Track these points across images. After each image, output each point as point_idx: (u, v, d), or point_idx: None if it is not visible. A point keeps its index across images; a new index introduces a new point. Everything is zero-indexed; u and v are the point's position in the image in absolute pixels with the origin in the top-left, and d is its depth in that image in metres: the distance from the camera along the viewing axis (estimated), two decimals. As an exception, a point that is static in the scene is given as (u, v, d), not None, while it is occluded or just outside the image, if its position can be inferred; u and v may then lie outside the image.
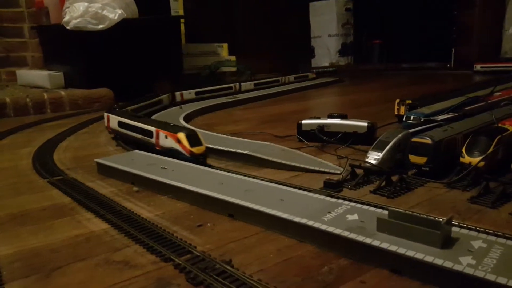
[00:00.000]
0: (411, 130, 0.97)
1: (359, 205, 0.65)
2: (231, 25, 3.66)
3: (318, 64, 4.76)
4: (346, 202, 0.67)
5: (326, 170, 0.92)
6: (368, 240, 0.54)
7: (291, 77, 2.78)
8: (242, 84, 2.35)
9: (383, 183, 0.82)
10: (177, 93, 1.97)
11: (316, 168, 0.93)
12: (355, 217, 0.61)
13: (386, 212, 0.60)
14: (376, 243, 0.53)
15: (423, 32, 3.92)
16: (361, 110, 1.82)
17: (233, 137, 1.19)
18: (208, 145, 1.10)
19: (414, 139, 0.88)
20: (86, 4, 2.00)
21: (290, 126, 1.47)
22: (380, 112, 1.76)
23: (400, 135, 0.93)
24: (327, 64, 4.66)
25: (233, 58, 3.47)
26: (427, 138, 0.85)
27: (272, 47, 4.00)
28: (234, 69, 3.35)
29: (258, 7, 3.84)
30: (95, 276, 0.54)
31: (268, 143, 1.09)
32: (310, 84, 2.74)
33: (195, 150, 0.98)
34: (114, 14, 2.03)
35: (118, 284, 0.52)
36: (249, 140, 1.15)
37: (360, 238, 0.54)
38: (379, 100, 2.16)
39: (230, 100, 2.06)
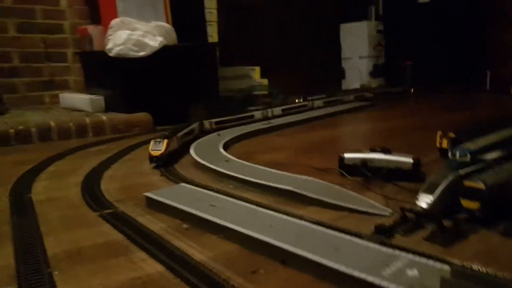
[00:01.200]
0: (461, 171, 0.95)
1: (417, 258, 0.64)
2: (262, 48, 3.71)
3: (349, 85, 4.75)
4: (404, 254, 0.66)
5: (375, 211, 0.91)
6: (432, 302, 0.52)
7: (320, 102, 2.79)
8: (270, 109, 2.37)
9: (437, 230, 0.80)
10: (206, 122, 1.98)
11: (364, 209, 0.92)
12: (415, 272, 0.60)
13: (447, 267, 0.59)
14: (442, 305, 0.52)
15: (455, 53, 3.86)
16: (397, 140, 1.80)
17: (274, 170, 1.19)
18: (251, 179, 1.11)
19: (466, 183, 0.86)
20: (128, 32, 2.07)
21: (328, 157, 1.46)
22: (418, 143, 1.74)
23: (451, 177, 0.91)
24: (358, 86, 4.65)
25: (265, 81, 3.51)
26: (480, 182, 0.83)
27: (302, 69, 4.02)
28: (266, 92, 3.38)
29: (288, 29, 3.88)
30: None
31: (311, 178, 1.09)
32: (343, 109, 2.73)
33: (153, 153, 1.31)
34: (155, 42, 2.09)
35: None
36: (291, 174, 1.15)
37: (422, 298, 0.53)
38: (415, 128, 2.13)
39: (266, 126, 2.07)
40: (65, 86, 2.68)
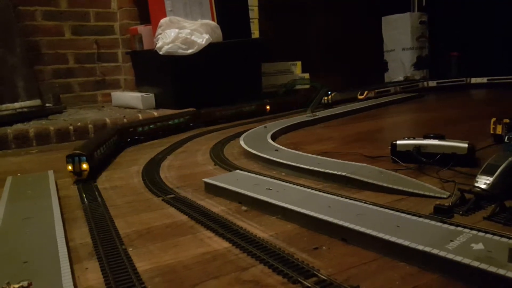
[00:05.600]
0: (521, 154, 0.94)
1: (480, 234, 0.65)
2: (304, 42, 3.71)
3: (392, 78, 4.66)
4: (467, 230, 0.66)
5: (432, 194, 0.91)
6: (501, 271, 0.54)
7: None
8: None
9: (497, 209, 0.80)
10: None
11: (421, 192, 0.92)
12: (480, 246, 0.61)
13: (513, 242, 0.59)
14: (510, 274, 0.53)
15: (504, 43, 3.70)
16: (449, 128, 1.76)
17: (326, 158, 1.21)
18: (304, 166, 1.13)
19: (528, 164, 0.85)
20: (176, 30, 2.14)
21: (378, 146, 1.46)
22: (470, 131, 1.70)
23: (511, 158, 0.90)
24: (401, 78, 4.56)
25: (306, 75, 3.51)
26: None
27: (344, 62, 3.98)
28: (308, 86, 3.39)
29: (329, 23, 3.86)
30: (233, 295, 0.59)
31: (364, 164, 1.10)
32: (389, 100, 2.69)
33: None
34: (202, 39, 2.16)
35: (256, 303, 0.56)
36: (344, 161, 1.16)
37: (492, 269, 0.54)
38: (466, 118, 2.08)
39: (310, 118, 2.09)
40: (116, 85, 2.80)
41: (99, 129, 2.01)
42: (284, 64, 3.52)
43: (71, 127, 1.98)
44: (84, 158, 1.19)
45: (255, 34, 3.16)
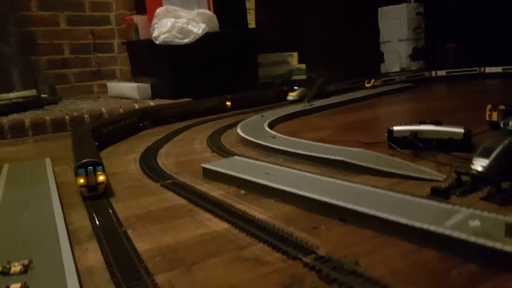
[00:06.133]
0: (517, 136, 0.95)
1: (477, 212, 0.66)
2: (300, 33, 3.70)
3: (388, 69, 4.67)
4: (464, 209, 0.67)
5: (428, 177, 0.92)
6: (498, 246, 0.54)
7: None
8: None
9: (493, 191, 0.81)
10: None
11: (418, 175, 0.93)
12: (477, 223, 0.62)
13: (509, 218, 0.60)
14: (508, 248, 0.53)
15: (502, 34, 3.71)
16: (445, 116, 1.76)
17: (324, 144, 1.22)
18: (301, 152, 1.14)
19: (524, 146, 0.85)
20: (173, 19, 2.13)
21: (374, 134, 1.47)
22: (467, 119, 1.71)
23: (506, 141, 0.91)
24: (397, 69, 4.56)
25: (303, 66, 3.51)
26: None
27: (340, 54, 3.98)
28: (304, 76, 3.39)
29: (326, 14, 3.85)
30: (231, 271, 0.59)
31: (361, 149, 1.11)
32: (384, 90, 2.70)
33: None
34: (198, 29, 2.15)
35: (255, 279, 0.56)
36: (340, 147, 1.17)
37: (489, 243, 0.55)
38: (463, 107, 2.09)
39: (307, 108, 2.09)
40: (112, 76, 2.79)
41: (95, 119, 2.01)
42: (281, 55, 3.52)
43: (67, 117, 1.97)
44: (101, 167, 0.93)
45: (251, 24, 3.15)
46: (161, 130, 1.85)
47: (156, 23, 2.17)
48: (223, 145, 1.43)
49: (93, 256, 0.66)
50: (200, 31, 2.16)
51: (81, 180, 0.92)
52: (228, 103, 2.30)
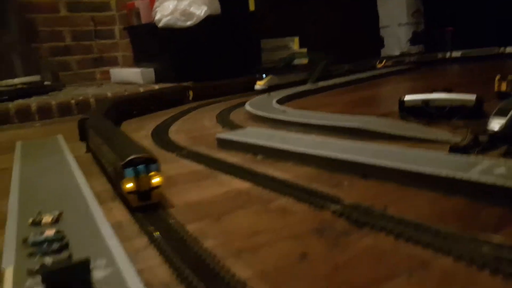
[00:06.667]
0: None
1: (501, 161, 0.66)
2: (300, 18, 3.69)
3: (388, 54, 4.66)
4: (486, 160, 0.67)
5: (445, 138, 0.92)
6: (526, 186, 0.55)
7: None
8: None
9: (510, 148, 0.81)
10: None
11: (434, 138, 0.93)
12: (502, 170, 0.62)
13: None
14: (537, 188, 0.54)
15: (498, 17, 3.70)
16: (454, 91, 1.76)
17: (335, 114, 1.22)
18: (313, 121, 1.14)
19: (540, 103, 0.86)
20: (175, 2, 2.12)
21: (385, 107, 1.47)
22: (476, 91, 1.70)
23: (522, 101, 0.91)
24: (397, 54, 4.55)
25: (304, 50, 3.51)
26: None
27: (341, 38, 3.97)
28: (306, 60, 3.38)
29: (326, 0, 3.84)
30: (260, 220, 0.60)
31: (374, 116, 1.11)
32: (387, 71, 2.70)
33: None
34: (200, 11, 2.14)
35: (285, 226, 0.57)
36: (353, 116, 1.17)
37: (517, 185, 0.55)
38: (468, 83, 2.08)
39: (313, 88, 2.09)
40: (114, 62, 2.78)
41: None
42: (282, 40, 3.51)
43: (73, 101, 1.97)
44: (156, 165, 0.67)
45: (250, 8, 3.13)
46: (168, 112, 1.84)
47: (158, 6, 2.16)
48: (231, 120, 1.43)
49: (119, 213, 0.67)
50: (202, 13, 2.14)
51: (130, 184, 0.65)
52: (190, 93, 2.09)
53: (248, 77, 2.21)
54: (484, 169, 0.63)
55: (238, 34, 2.45)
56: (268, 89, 2.14)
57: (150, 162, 0.66)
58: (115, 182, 0.69)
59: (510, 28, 3.64)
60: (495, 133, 0.87)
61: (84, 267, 0.34)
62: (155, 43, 2.34)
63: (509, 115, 0.88)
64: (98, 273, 0.38)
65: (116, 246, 0.44)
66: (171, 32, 2.15)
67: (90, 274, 0.34)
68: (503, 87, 1.44)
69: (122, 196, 0.69)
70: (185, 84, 2.03)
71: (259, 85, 2.23)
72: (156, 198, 0.67)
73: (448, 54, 3.35)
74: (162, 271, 0.45)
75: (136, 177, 0.65)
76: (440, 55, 3.43)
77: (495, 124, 0.88)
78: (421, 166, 0.67)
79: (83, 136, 1.15)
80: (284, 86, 2.13)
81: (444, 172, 0.63)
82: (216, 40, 2.33)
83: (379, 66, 2.86)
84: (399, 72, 2.78)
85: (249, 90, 2.10)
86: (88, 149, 1.07)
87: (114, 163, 0.68)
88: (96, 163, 0.94)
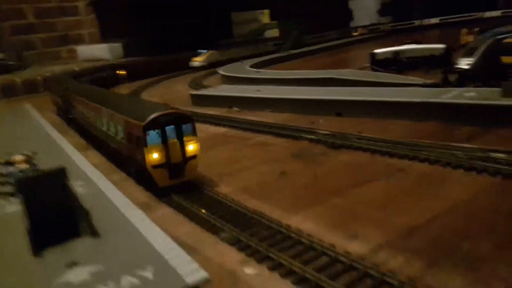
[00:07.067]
0: (498, 37, 0.97)
1: (471, 88, 0.68)
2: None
3: (358, 25, 4.66)
4: (457, 88, 0.69)
5: (417, 82, 0.93)
6: (496, 102, 0.56)
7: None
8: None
9: (480, 85, 0.83)
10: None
11: (406, 82, 0.94)
12: (472, 94, 0.64)
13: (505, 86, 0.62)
14: (506, 102, 0.55)
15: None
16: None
17: (310, 70, 1.22)
18: (287, 77, 1.14)
19: (506, 40, 0.88)
20: (141, -29, 2.05)
21: (356, 65, 1.48)
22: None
23: (489, 40, 0.93)
24: (367, 24, 4.57)
25: (274, 22, 3.49)
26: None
27: (311, 12, 3.96)
28: (277, 33, 3.36)
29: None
30: (241, 152, 0.60)
31: (349, 69, 1.12)
32: (360, 38, 2.72)
33: None
34: (168, -21, 2.08)
35: (265, 154, 0.57)
36: (327, 71, 1.17)
37: (487, 102, 0.57)
38: (436, 40, 2.12)
39: (284, 54, 2.09)
40: (80, 40, 2.70)
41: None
42: (253, 13, 3.48)
43: (39, 78, 1.90)
44: (190, 125, 0.45)
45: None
46: (138, 83, 1.80)
47: (124, -24, 2.09)
48: (203, 85, 1.41)
49: (95, 158, 0.65)
50: (171, -18, 2.09)
51: (155, 155, 0.42)
52: (123, 72, 1.84)
53: (185, 55, 2.15)
54: (455, 94, 0.65)
55: (209, 6, 2.41)
56: (207, 66, 2.00)
57: (182, 122, 0.45)
58: (128, 153, 0.50)
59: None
60: (465, 71, 0.89)
61: (59, 175, 0.33)
62: (123, 17, 2.27)
63: (477, 54, 0.90)
64: (79, 190, 0.37)
65: (92, 171, 0.43)
66: (141, 3, 2.09)
67: (67, 179, 0.34)
68: (470, 39, 1.47)
69: (137, 174, 0.48)
70: (115, 64, 1.93)
71: (195, 60, 2.00)
72: (191, 173, 0.47)
73: (419, 22, 3.40)
74: (143, 196, 0.44)
75: (164, 144, 0.43)
76: (416, 22, 3.48)
77: (464, 63, 0.90)
78: (396, 98, 0.68)
79: (65, 108, 1.09)
80: (227, 62, 2.01)
81: (417, 99, 0.64)
82: (187, 12, 2.29)
83: (355, 34, 2.89)
84: (371, 38, 2.80)
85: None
86: (70, 120, 1.01)
87: (126, 127, 0.51)
88: (81, 135, 0.91)
